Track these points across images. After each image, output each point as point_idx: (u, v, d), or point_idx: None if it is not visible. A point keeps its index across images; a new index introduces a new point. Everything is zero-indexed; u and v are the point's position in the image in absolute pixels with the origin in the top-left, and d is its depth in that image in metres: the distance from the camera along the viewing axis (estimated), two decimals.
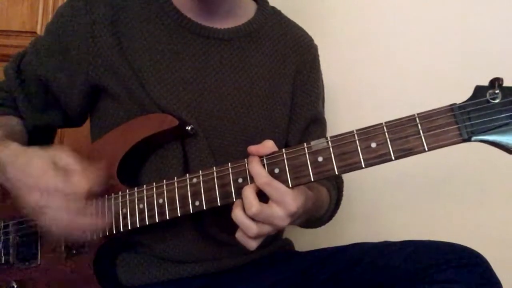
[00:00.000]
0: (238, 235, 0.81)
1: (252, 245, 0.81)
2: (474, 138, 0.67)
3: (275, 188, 0.78)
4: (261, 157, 0.82)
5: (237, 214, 0.80)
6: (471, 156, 1.22)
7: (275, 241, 1.13)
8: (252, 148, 0.83)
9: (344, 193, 1.16)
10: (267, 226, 0.79)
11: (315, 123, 1.16)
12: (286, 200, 0.78)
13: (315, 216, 1.02)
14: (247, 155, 0.84)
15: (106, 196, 0.94)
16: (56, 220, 0.84)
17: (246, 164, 0.83)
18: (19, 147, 0.92)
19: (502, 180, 1.28)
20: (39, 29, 1.65)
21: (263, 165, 0.81)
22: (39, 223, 0.89)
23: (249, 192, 0.79)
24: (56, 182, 0.83)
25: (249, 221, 0.79)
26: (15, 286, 1.00)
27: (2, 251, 1.03)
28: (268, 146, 0.83)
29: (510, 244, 1.26)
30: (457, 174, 1.32)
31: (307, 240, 1.27)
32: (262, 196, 0.79)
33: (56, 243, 0.99)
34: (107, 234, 0.94)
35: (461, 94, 0.70)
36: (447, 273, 0.82)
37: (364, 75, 1.42)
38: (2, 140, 0.95)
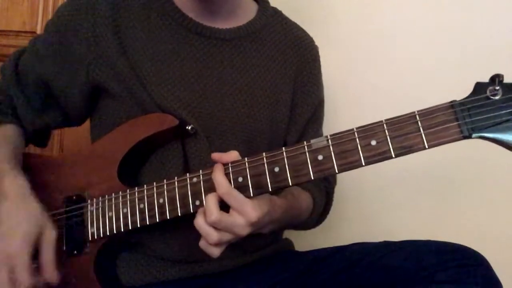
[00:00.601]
0: (201, 243, 0.83)
1: (214, 252, 0.83)
2: (474, 135, 0.67)
3: (234, 198, 0.80)
4: (226, 164, 0.84)
5: (199, 222, 0.82)
6: (472, 155, 1.22)
7: (275, 242, 1.13)
8: (215, 155, 0.86)
9: (344, 192, 1.16)
10: (227, 234, 0.81)
11: (313, 122, 1.16)
12: (246, 210, 0.80)
13: (293, 222, 1.04)
14: (248, 154, 0.85)
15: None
16: None
17: (246, 163, 0.83)
18: (20, 186, 0.92)
19: (502, 179, 1.27)
20: (39, 29, 1.65)
21: (228, 173, 0.83)
22: None
23: (210, 201, 0.81)
24: (19, 261, 0.83)
25: (210, 228, 0.81)
26: None
27: None
28: (232, 156, 0.85)
29: (510, 244, 1.25)
30: (457, 174, 1.31)
31: (307, 240, 1.27)
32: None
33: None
34: (108, 234, 0.94)
35: (462, 91, 0.70)
36: (447, 273, 0.81)
37: (364, 75, 1.42)
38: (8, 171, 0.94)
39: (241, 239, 0.83)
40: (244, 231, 0.81)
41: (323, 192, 1.13)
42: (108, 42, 0.99)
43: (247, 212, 0.80)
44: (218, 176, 0.82)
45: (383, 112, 0.76)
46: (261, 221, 0.83)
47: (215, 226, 0.80)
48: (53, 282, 0.87)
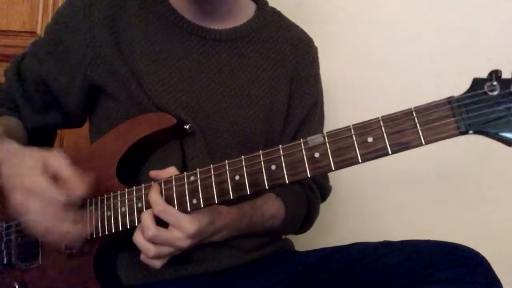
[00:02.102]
0: (141, 256, 0.87)
1: (155, 263, 0.87)
2: (471, 130, 0.66)
3: (169, 214, 0.84)
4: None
5: (137, 237, 0.86)
6: (472, 155, 1.21)
7: (275, 242, 1.13)
8: (152, 173, 0.91)
9: (344, 192, 1.15)
10: (166, 247, 0.85)
11: (307, 123, 1.15)
12: (182, 224, 0.84)
13: (258, 228, 1.04)
14: (244, 154, 0.83)
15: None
16: (33, 222, 0.85)
17: (243, 161, 0.82)
18: (15, 145, 0.92)
19: (502, 178, 1.27)
20: (39, 29, 1.66)
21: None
22: (20, 222, 0.90)
23: (146, 217, 0.85)
24: (40, 185, 0.83)
25: (147, 243, 0.85)
26: (17, 286, 1.00)
27: (4, 252, 1.03)
28: (170, 172, 0.89)
29: (510, 244, 1.25)
30: (457, 174, 1.31)
31: (307, 240, 1.27)
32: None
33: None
34: (107, 233, 0.94)
35: (459, 87, 0.69)
36: (447, 273, 0.81)
37: (364, 74, 1.42)
38: (0, 137, 0.95)
39: (213, 244, 0.91)
40: (185, 243, 0.85)
41: (303, 202, 1.13)
42: (106, 43, 0.99)
43: (183, 226, 0.83)
44: (154, 196, 0.86)
45: (383, 111, 0.76)
46: (203, 232, 0.87)
47: (153, 241, 0.84)
48: (82, 193, 0.85)
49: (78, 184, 0.84)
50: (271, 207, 1.05)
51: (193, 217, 0.85)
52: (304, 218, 1.14)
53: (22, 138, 1.05)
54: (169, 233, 0.84)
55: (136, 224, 0.91)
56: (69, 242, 0.91)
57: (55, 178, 0.84)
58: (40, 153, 0.87)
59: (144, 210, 0.90)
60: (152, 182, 0.91)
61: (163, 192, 0.87)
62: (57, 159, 0.85)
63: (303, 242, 1.24)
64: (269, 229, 1.07)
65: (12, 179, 0.86)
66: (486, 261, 0.83)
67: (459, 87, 0.71)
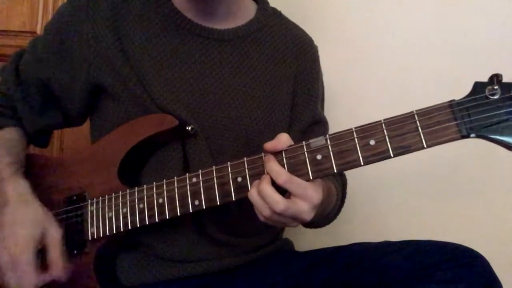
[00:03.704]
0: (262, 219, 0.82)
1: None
2: (473, 134, 0.67)
3: (296, 184, 0.78)
4: (278, 152, 0.81)
5: (263, 211, 0.79)
6: (471, 155, 1.21)
7: (275, 242, 1.13)
8: (268, 145, 0.81)
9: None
10: (291, 221, 0.80)
11: (318, 123, 1.15)
12: (309, 194, 0.78)
13: (325, 211, 1.00)
14: (247, 155, 0.84)
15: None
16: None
17: (245, 163, 0.83)
18: (26, 189, 0.94)
19: (502, 179, 1.27)
20: (39, 29, 1.64)
21: (282, 159, 0.80)
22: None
23: (270, 190, 0.78)
24: (25, 261, 0.86)
25: (276, 216, 0.79)
26: None
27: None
28: (283, 139, 0.81)
29: (510, 244, 1.25)
30: (457, 174, 1.31)
31: (307, 240, 1.27)
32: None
33: None
34: (108, 234, 0.94)
35: (461, 91, 0.70)
36: (447, 273, 0.81)
37: (364, 74, 1.41)
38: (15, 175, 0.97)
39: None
40: (309, 216, 0.79)
41: (340, 184, 1.11)
42: (108, 43, 0.99)
43: (310, 196, 0.78)
44: (275, 166, 0.79)
45: (383, 112, 0.76)
46: (320, 203, 0.81)
47: (281, 215, 0.78)
48: (62, 279, 0.89)
49: (60, 271, 0.89)
50: (332, 189, 1.01)
51: (316, 186, 0.80)
52: (339, 206, 1.11)
53: (22, 150, 1.05)
54: (297, 205, 0.77)
55: (138, 225, 0.92)
56: None
57: (43, 249, 0.89)
58: (42, 223, 0.90)
59: (146, 211, 0.91)
60: (154, 183, 0.92)
61: (285, 161, 0.80)
62: (54, 239, 0.90)
63: (303, 242, 1.24)
64: (327, 212, 1.02)
65: (8, 229, 0.88)
66: (486, 261, 0.83)
67: (459, 85, 0.71)
